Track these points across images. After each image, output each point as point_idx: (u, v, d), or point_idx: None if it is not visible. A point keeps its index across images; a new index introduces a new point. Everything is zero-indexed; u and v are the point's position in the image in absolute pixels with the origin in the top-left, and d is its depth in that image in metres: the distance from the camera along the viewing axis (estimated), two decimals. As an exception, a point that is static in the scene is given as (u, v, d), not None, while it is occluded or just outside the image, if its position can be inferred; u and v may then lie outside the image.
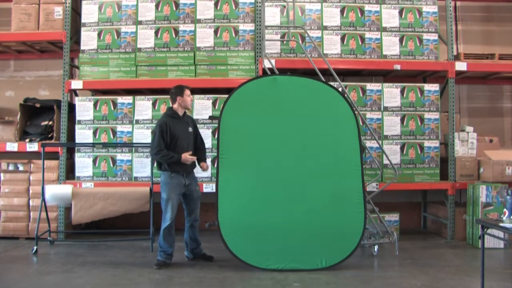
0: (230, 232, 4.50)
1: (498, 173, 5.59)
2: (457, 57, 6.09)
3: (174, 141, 4.55)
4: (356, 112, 4.78)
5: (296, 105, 4.68)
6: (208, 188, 5.56)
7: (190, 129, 4.71)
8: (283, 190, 4.55)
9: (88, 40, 5.99)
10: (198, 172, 4.84)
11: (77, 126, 5.87)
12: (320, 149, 4.61)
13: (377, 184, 5.64)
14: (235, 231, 4.50)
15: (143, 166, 5.78)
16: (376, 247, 5.05)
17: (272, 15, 5.94)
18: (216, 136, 4.68)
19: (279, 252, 4.46)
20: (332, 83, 5.10)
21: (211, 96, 5.75)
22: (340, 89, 5.23)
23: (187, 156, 4.52)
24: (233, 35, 5.87)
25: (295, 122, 4.65)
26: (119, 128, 5.84)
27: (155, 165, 5.68)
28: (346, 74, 6.20)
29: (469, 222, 5.61)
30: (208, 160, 4.90)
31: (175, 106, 4.68)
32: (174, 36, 5.90)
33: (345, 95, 4.72)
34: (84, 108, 5.88)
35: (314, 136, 4.63)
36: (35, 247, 5.11)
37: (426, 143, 5.86)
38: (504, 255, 5.15)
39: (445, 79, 6.01)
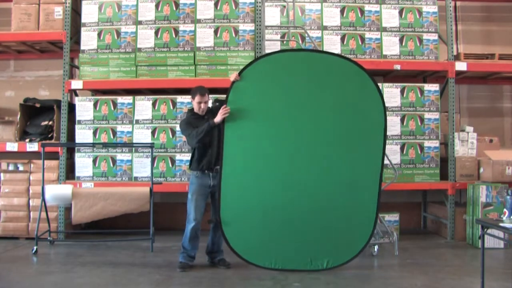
0: (232, 229, 4.36)
1: (498, 173, 5.59)
2: (457, 57, 6.09)
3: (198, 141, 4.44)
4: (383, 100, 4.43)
5: (315, 87, 4.39)
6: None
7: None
8: (291, 187, 4.35)
9: (88, 40, 5.99)
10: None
11: (77, 126, 5.88)
12: (337, 142, 4.36)
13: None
14: (237, 228, 4.37)
15: (143, 166, 5.78)
16: (376, 247, 5.05)
17: (272, 15, 5.94)
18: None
19: (282, 251, 4.37)
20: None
21: (211, 96, 5.72)
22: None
23: (222, 112, 4.30)
24: (233, 35, 5.87)
25: (311, 108, 4.37)
26: (119, 128, 5.84)
27: (155, 165, 5.71)
28: (346, 74, 6.21)
29: (469, 222, 5.61)
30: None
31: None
32: (174, 36, 5.91)
33: (375, 81, 4.38)
34: (84, 108, 5.88)
35: (333, 127, 4.37)
36: (35, 247, 5.11)
37: (426, 143, 5.86)
38: (504, 255, 5.15)
39: (445, 79, 6.01)
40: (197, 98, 4.50)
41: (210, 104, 4.76)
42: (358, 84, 4.44)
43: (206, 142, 4.49)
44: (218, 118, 4.36)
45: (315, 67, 4.47)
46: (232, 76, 4.46)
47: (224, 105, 4.39)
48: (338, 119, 4.42)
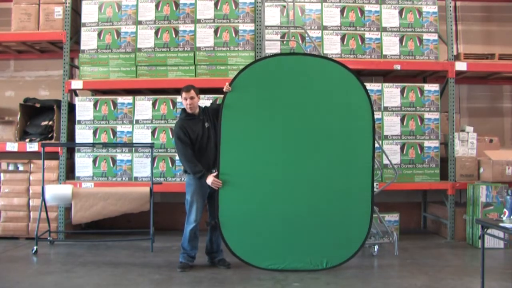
0: (231, 231, 4.40)
1: (498, 173, 5.59)
2: (457, 57, 6.09)
3: (192, 144, 4.47)
4: (371, 100, 4.52)
5: (305, 90, 4.47)
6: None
7: (207, 124, 4.54)
8: (287, 188, 4.41)
9: (88, 40, 5.99)
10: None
11: (77, 126, 5.88)
12: (329, 142, 4.44)
13: (377, 184, 5.62)
14: (236, 230, 4.40)
15: (143, 166, 5.78)
16: (376, 247, 5.05)
17: (272, 15, 5.93)
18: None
19: (281, 252, 4.40)
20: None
21: (211, 96, 5.75)
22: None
23: (213, 181, 4.37)
24: (233, 35, 5.87)
25: (303, 111, 4.45)
26: (119, 128, 5.84)
27: (155, 165, 5.71)
28: (346, 74, 6.20)
29: (469, 222, 5.61)
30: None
31: None
32: (174, 36, 5.91)
33: (362, 81, 4.49)
34: (84, 108, 5.88)
35: (324, 127, 4.45)
36: (35, 247, 5.11)
37: (426, 143, 5.86)
38: (504, 255, 5.15)
39: (445, 79, 6.01)
40: (183, 95, 4.53)
41: (202, 104, 4.75)
42: (346, 84, 4.50)
43: (203, 146, 4.51)
44: (209, 182, 4.38)
45: (304, 71, 4.53)
46: (224, 87, 4.48)
47: (216, 174, 4.39)
48: (328, 121, 4.48)
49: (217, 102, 5.47)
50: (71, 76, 6.28)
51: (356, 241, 4.42)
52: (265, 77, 4.52)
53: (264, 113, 4.49)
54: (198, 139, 4.49)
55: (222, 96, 5.25)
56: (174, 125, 5.68)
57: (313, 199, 4.43)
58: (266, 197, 4.44)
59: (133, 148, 5.79)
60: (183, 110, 4.64)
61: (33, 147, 5.81)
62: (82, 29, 6.02)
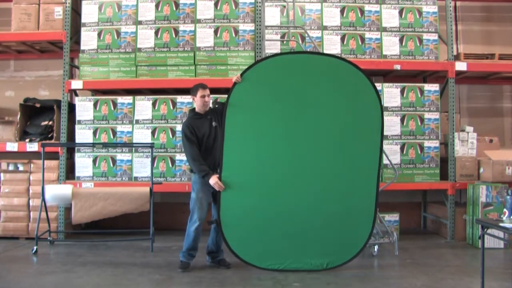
0: (232, 230, 4.37)
1: (498, 173, 5.59)
2: (457, 57, 6.09)
3: (199, 142, 4.45)
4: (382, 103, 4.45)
5: (312, 89, 4.43)
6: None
7: (214, 123, 4.52)
8: (289, 188, 4.38)
9: (88, 40, 5.99)
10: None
11: (77, 126, 5.88)
12: (335, 143, 4.40)
13: (377, 184, 5.63)
14: (237, 229, 4.38)
15: (143, 166, 5.78)
16: (376, 247, 5.05)
17: (272, 15, 5.93)
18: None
19: (281, 252, 4.39)
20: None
21: (211, 96, 5.74)
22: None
23: (215, 182, 4.33)
24: (233, 35, 5.87)
25: (309, 110, 4.40)
26: (119, 128, 5.84)
27: (155, 165, 5.71)
28: (346, 74, 6.20)
29: (469, 222, 5.61)
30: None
31: (195, 106, 4.57)
32: (174, 36, 5.91)
33: (373, 81, 4.44)
34: (84, 108, 5.88)
35: (330, 127, 4.41)
36: (35, 247, 5.11)
37: (426, 143, 5.86)
38: (504, 255, 5.14)
39: (445, 79, 6.01)
40: (200, 92, 4.47)
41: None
42: (356, 85, 4.46)
43: (209, 146, 4.50)
44: (211, 182, 4.33)
45: (315, 69, 4.49)
46: (234, 77, 4.47)
47: (217, 177, 4.36)
48: (336, 121, 4.45)
49: (218, 101, 5.47)
50: (71, 76, 6.29)
51: (357, 243, 4.40)
52: (271, 76, 4.47)
53: (269, 112, 4.45)
54: (204, 138, 4.47)
55: (222, 96, 5.28)
56: (174, 125, 5.74)
57: (315, 199, 4.40)
58: (268, 197, 4.41)
59: (133, 148, 5.79)
60: (192, 109, 4.61)
61: (33, 147, 5.81)
62: (82, 29, 6.02)
